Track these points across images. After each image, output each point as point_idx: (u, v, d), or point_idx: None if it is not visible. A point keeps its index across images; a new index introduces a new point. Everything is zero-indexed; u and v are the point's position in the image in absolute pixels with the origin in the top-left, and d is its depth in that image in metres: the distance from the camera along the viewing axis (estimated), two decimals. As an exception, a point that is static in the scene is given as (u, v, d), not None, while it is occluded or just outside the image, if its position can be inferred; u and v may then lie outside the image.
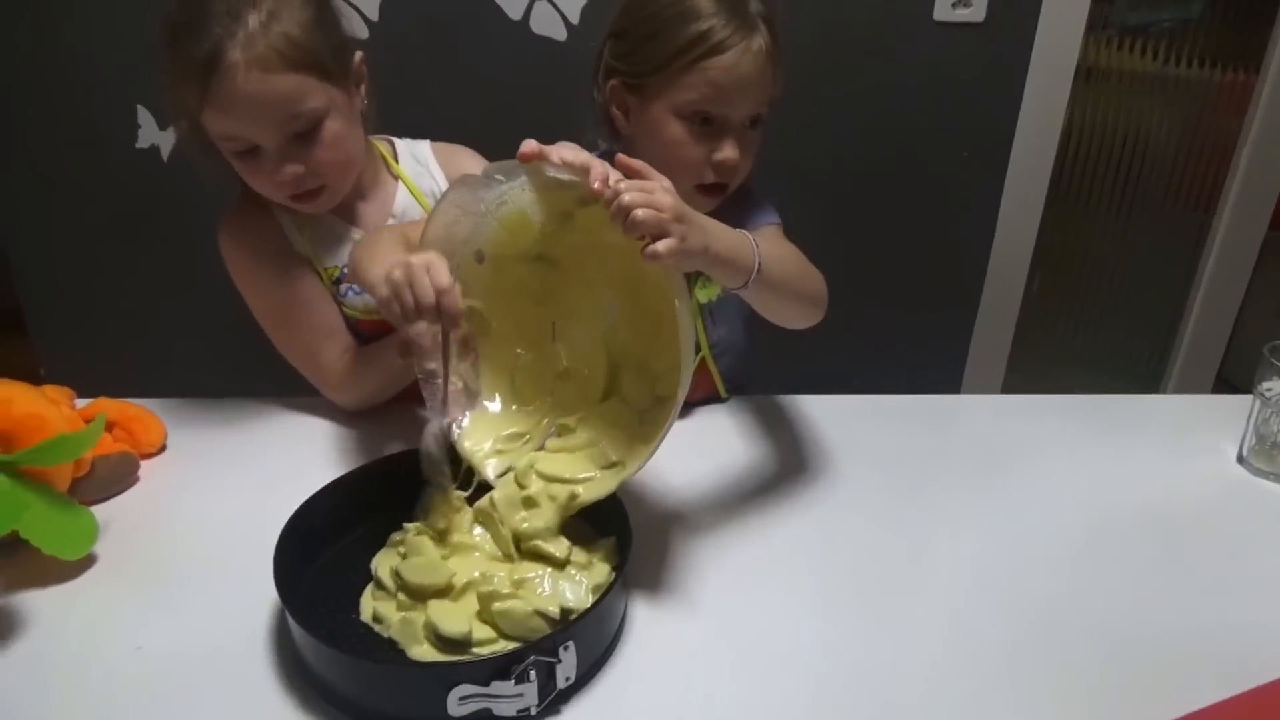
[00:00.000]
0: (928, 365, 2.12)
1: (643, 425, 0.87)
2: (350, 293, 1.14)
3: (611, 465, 0.86)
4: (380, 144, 1.20)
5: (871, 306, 2.07)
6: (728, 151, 1.04)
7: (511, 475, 0.86)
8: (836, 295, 2.05)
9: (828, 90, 1.85)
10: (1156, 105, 2.11)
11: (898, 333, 2.09)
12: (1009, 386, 2.22)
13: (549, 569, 0.81)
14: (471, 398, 0.93)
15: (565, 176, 0.78)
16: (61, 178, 1.90)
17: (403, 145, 1.22)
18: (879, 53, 1.84)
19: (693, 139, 1.04)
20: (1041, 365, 2.33)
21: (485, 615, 0.76)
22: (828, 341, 2.02)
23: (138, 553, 0.89)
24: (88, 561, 0.87)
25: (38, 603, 0.82)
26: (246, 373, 1.24)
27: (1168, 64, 2.07)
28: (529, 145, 0.78)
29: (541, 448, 0.90)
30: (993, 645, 0.79)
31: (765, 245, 0.87)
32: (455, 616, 0.75)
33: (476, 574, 0.80)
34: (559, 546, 0.81)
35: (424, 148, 1.23)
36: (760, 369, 1.29)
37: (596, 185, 0.74)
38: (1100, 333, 2.40)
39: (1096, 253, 2.30)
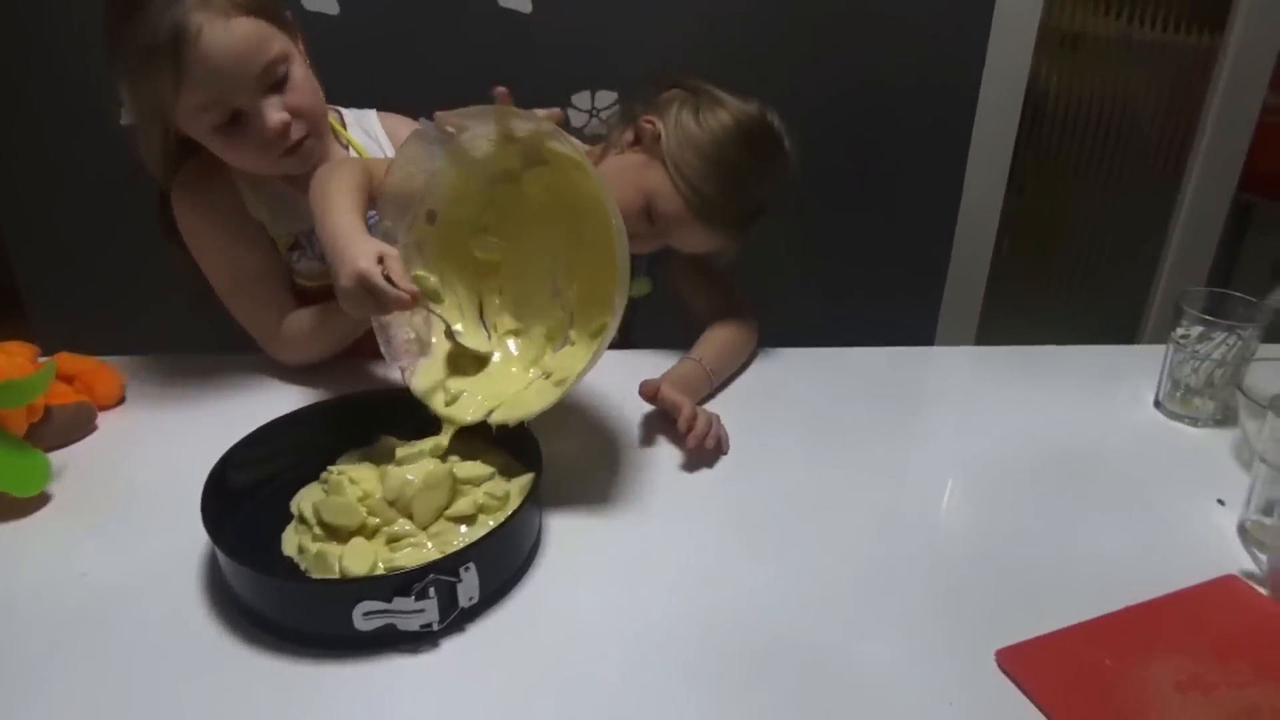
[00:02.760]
0: (898, 330, 2.16)
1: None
2: (302, 260, 1.17)
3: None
4: (329, 114, 1.21)
5: (838, 274, 2.11)
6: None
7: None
8: (802, 264, 2.09)
9: (786, 54, 1.87)
10: (1123, 68, 2.13)
11: (865, 299, 2.12)
12: (981, 350, 2.25)
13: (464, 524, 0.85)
14: (423, 347, 0.99)
15: (528, 125, 0.86)
16: (47, 158, 1.95)
17: (350, 115, 1.25)
18: (835, 18, 1.85)
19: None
20: (1014, 330, 2.35)
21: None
22: (800, 308, 2.06)
23: (89, 494, 0.94)
24: (42, 500, 0.92)
25: (-7, 537, 0.87)
26: (225, 332, 1.27)
27: (1132, 25, 2.08)
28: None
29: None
30: (889, 572, 0.84)
31: (713, 352, 1.14)
32: (361, 557, 0.79)
33: (398, 526, 0.84)
34: (465, 506, 0.85)
35: (371, 118, 1.26)
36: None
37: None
38: (1072, 296, 2.42)
39: (1067, 216, 2.32)
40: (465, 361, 0.99)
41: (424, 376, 0.96)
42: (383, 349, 0.96)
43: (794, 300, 2.08)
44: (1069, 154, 2.21)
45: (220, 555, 0.76)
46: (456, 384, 0.96)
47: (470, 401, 0.94)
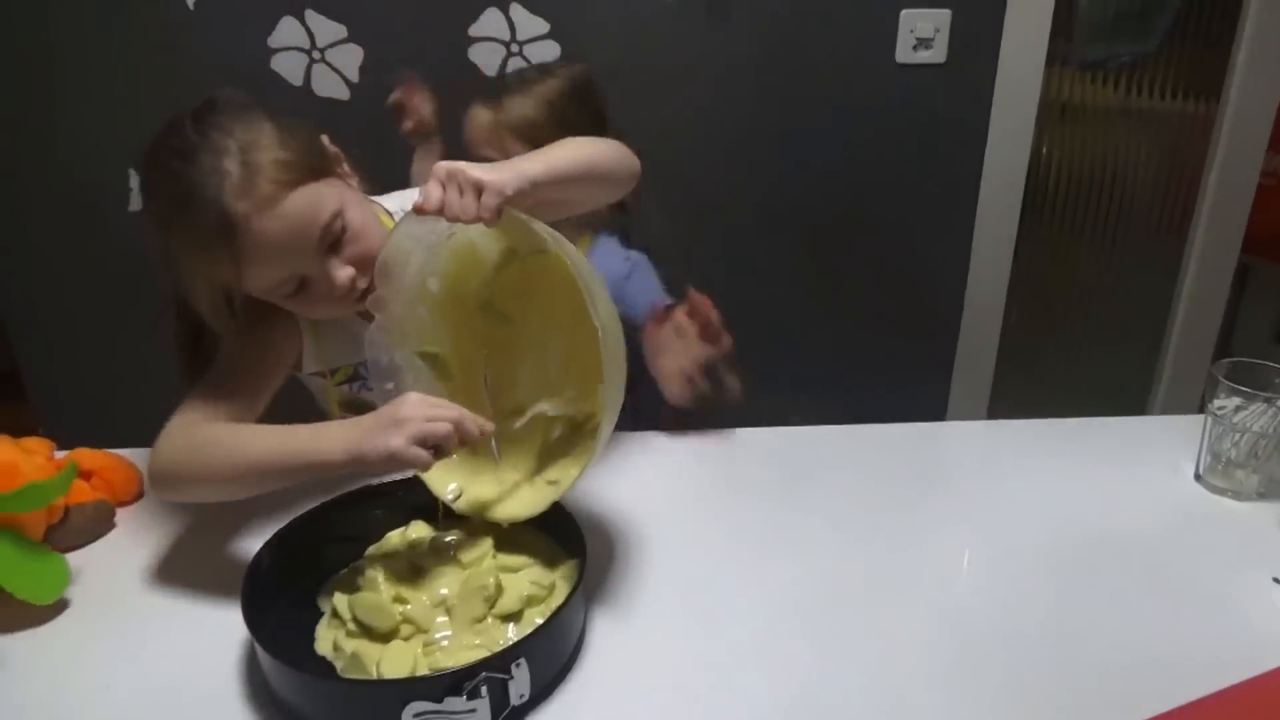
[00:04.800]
0: (911, 402, 2.14)
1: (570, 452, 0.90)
2: (361, 389, 1.12)
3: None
4: (374, 209, 1.14)
5: (850, 344, 2.10)
6: None
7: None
8: (815, 334, 2.10)
9: (795, 136, 1.90)
10: (1123, 136, 2.16)
11: (878, 370, 2.12)
12: (994, 418, 2.24)
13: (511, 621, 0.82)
14: None
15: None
16: (56, 243, 1.95)
17: (394, 202, 1.17)
18: (844, 96, 1.89)
19: None
20: (1027, 396, 2.34)
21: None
22: (810, 381, 2.05)
23: (111, 597, 0.91)
24: (61, 606, 0.89)
25: (10, 646, 0.84)
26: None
27: (1129, 95, 2.12)
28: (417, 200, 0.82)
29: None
30: (947, 665, 0.80)
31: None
32: (400, 662, 0.76)
33: (438, 634, 0.80)
34: (511, 602, 0.82)
35: (410, 199, 1.20)
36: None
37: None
38: (1083, 361, 2.42)
39: (1075, 282, 2.33)
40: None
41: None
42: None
43: (804, 374, 2.08)
44: (1072, 222, 2.24)
45: (263, 656, 0.73)
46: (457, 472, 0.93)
47: (469, 489, 0.92)
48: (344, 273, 0.96)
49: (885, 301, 2.07)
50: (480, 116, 1.37)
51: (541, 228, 0.83)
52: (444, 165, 0.83)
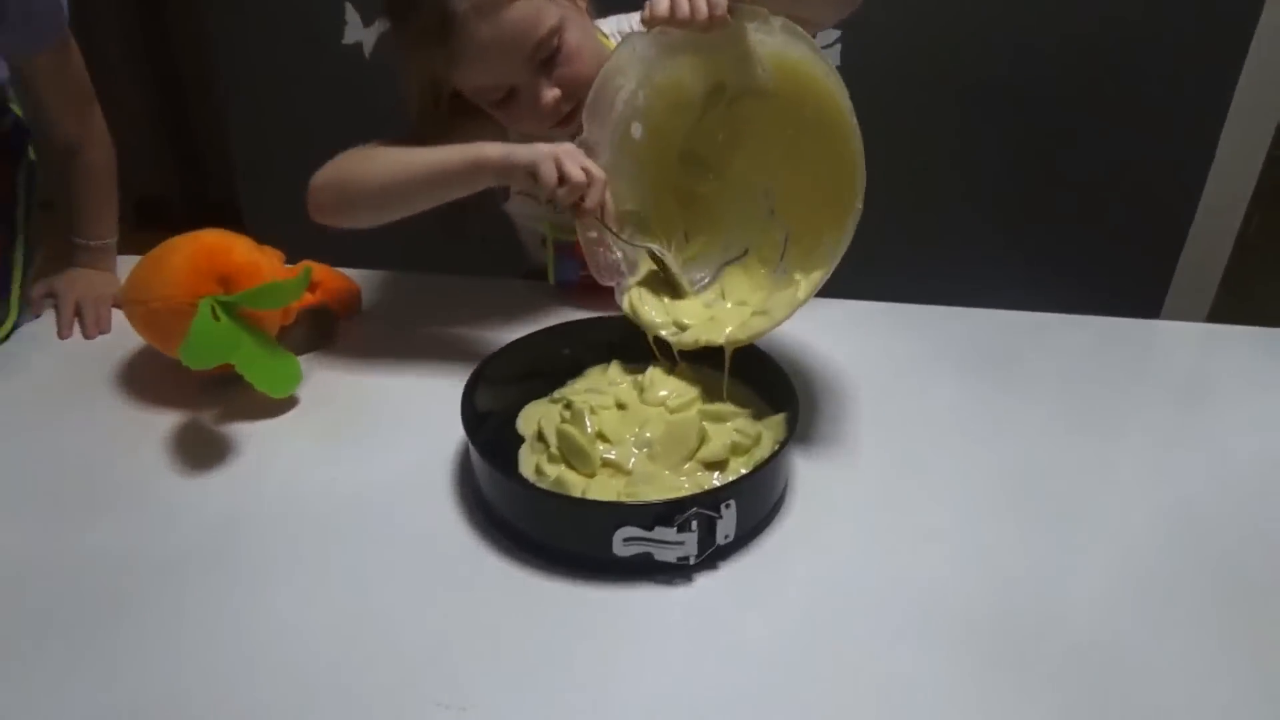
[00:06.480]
0: (1121, 298, 1.99)
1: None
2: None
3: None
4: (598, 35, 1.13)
5: (1061, 228, 1.95)
6: None
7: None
8: (1024, 211, 1.95)
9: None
10: None
11: (1090, 257, 1.96)
12: (1212, 332, 2.06)
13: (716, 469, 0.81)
14: (630, 266, 0.96)
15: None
16: (273, 73, 2.01)
17: (608, 26, 1.15)
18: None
19: None
20: (1249, 316, 2.14)
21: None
22: (1014, 258, 1.93)
23: (335, 398, 0.97)
24: (291, 402, 0.95)
25: (249, 433, 0.90)
26: (439, 254, 1.28)
27: None
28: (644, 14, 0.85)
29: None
30: (1170, 585, 0.74)
31: None
32: (604, 493, 0.77)
33: (633, 460, 0.81)
34: (716, 450, 0.81)
35: (632, 22, 1.12)
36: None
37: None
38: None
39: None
40: (667, 286, 0.96)
41: (637, 297, 0.94)
42: (589, 264, 0.95)
43: (1008, 255, 1.95)
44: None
45: (485, 468, 0.76)
46: (671, 310, 0.94)
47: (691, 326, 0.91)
48: (550, 92, 0.98)
49: (1109, 186, 1.89)
50: None
51: (780, 20, 0.82)
52: None
